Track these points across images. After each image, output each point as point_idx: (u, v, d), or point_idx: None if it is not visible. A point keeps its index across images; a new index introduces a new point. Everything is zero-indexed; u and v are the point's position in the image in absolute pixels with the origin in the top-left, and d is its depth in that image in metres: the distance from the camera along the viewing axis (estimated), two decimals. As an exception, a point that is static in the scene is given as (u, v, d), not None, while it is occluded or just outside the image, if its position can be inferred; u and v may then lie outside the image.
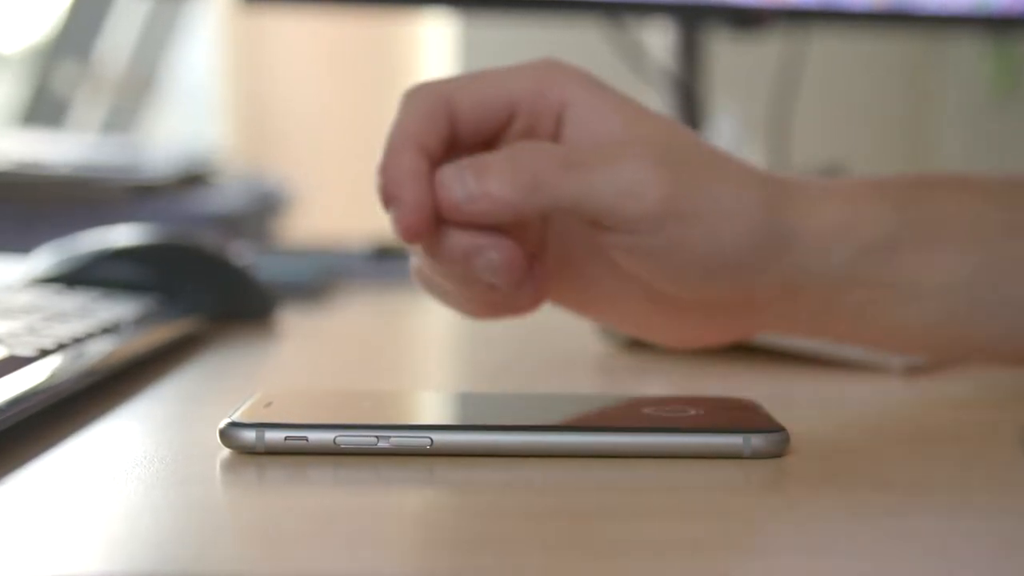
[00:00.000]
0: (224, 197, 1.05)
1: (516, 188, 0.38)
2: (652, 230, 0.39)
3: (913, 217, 0.41)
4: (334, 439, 0.34)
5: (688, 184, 0.39)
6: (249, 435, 0.34)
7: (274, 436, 0.34)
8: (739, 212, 0.39)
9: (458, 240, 0.39)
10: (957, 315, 0.41)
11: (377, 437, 0.34)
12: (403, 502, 0.31)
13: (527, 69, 0.41)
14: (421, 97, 0.40)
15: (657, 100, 1.18)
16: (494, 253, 0.39)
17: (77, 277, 0.57)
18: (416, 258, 0.43)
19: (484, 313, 0.43)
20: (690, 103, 1.12)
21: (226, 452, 0.34)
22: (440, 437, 0.34)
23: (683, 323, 0.42)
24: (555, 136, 0.41)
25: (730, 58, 1.27)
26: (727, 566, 0.26)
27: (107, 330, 0.46)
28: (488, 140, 0.41)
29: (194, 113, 2.23)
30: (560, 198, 0.38)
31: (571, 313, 0.45)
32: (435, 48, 2.05)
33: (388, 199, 0.39)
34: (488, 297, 0.42)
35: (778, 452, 0.34)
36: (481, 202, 0.38)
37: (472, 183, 0.38)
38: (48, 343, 0.41)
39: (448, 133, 0.40)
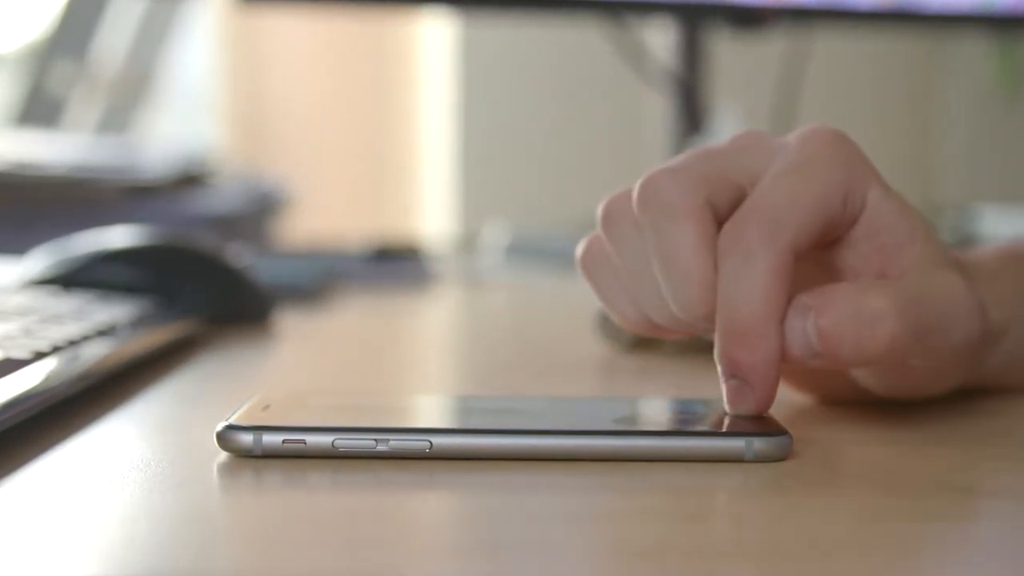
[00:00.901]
0: (222, 198, 1.05)
1: (870, 358, 0.35)
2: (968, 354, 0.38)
3: None
4: (332, 442, 0.34)
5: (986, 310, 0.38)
6: (247, 438, 0.34)
7: (272, 439, 0.34)
8: (963, 315, 0.37)
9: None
10: None
11: (376, 440, 0.34)
12: (402, 506, 0.31)
13: (834, 175, 0.36)
14: (771, 250, 0.35)
15: (658, 100, 1.18)
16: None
17: (73, 279, 0.57)
18: (590, 244, 0.40)
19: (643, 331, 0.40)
20: (691, 103, 1.12)
21: (223, 455, 0.34)
22: (440, 440, 0.34)
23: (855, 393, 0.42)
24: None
25: (732, 58, 1.27)
26: (729, 570, 0.26)
27: (103, 332, 0.46)
28: None
29: (191, 113, 2.23)
30: (928, 332, 0.36)
31: None
32: (434, 48, 2.05)
33: (739, 380, 0.35)
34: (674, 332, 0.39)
35: (781, 456, 0.34)
36: (833, 362, 0.35)
37: (819, 345, 0.34)
38: (43, 345, 0.41)
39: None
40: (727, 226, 0.36)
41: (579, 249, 0.40)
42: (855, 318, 0.34)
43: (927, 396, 0.41)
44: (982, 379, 0.43)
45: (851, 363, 0.35)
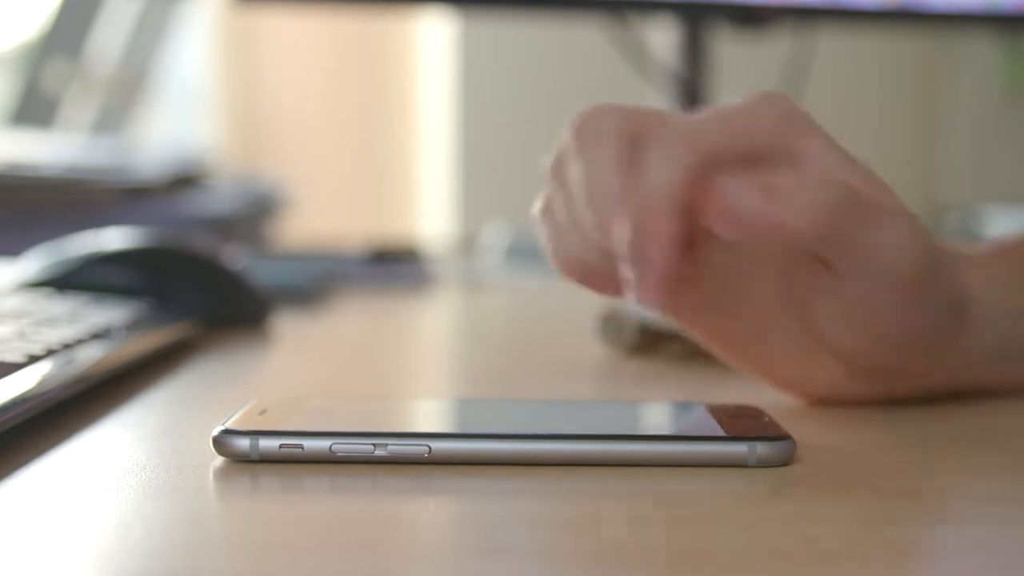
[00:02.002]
0: (217, 199, 1.05)
1: (807, 215, 0.37)
2: (907, 279, 0.39)
3: None
4: (330, 447, 0.34)
5: (932, 246, 0.40)
6: (243, 443, 0.34)
7: (269, 444, 0.34)
8: (936, 294, 0.40)
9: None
10: None
11: (374, 445, 0.34)
12: (400, 511, 0.31)
13: (766, 116, 0.39)
14: (683, 148, 0.38)
15: (660, 100, 1.18)
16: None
17: (67, 281, 0.57)
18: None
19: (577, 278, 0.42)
20: (694, 103, 1.12)
21: (220, 460, 0.34)
22: (438, 445, 0.34)
23: (846, 387, 0.43)
24: None
25: (734, 57, 1.27)
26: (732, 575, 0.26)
27: (98, 336, 0.46)
28: None
29: (187, 113, 2.23)
30: (844, 232, 0.38)
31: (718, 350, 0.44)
32: (433, 47, 2.05)
33: (638, 257, 0.37)
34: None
35: (784, 461, 0.34)
36: (772, 224, 0.37)
37: (763, 203, 0.37)
38: (37, 349, 0.41)
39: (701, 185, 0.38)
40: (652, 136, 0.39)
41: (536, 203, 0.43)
42: (790, 181, 0.38)
43: (909, 384, 0.42)
44: (971, 375, 0.43)
45: (777, 222, 0.37)
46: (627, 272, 0.37)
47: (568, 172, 0.40)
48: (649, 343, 0.53)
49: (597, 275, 0.41)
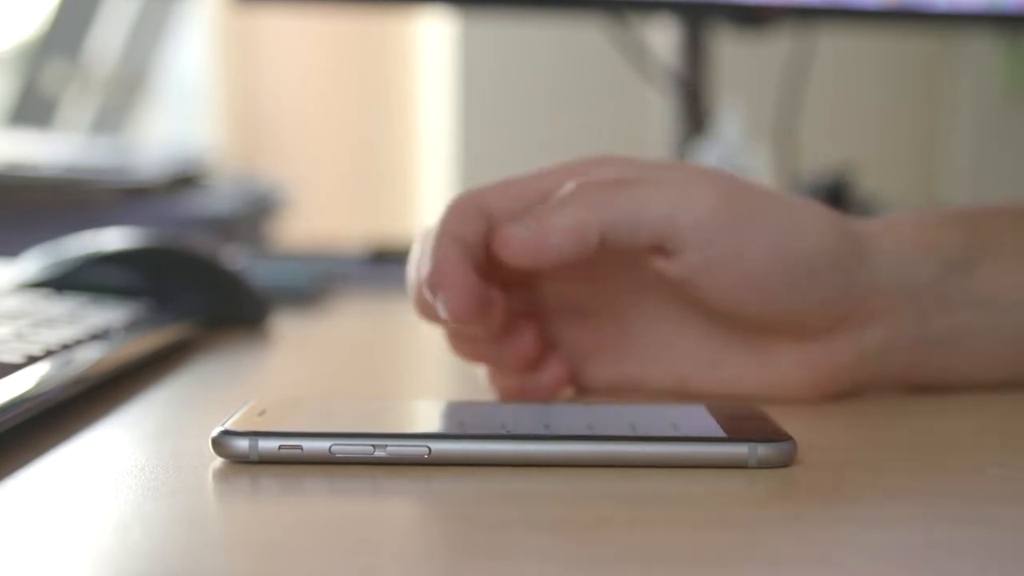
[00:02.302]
0: (217, 199, 1.05)
1: (577, 216, 0.40)
2: (709, 240, 0.40)
3: (981, 237, 0.43)
4: (329, 448, 0.34)
5: (745, 193, 0.41)
6: (242, 444, 0.34)
7: (268, 445, 0.34)
8: (808, 219, 0.41)
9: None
10: None
11: (374, 446, 0.34)
12: (400, 512, 0.31)
13: (561, 171, 0.43)
14: (457, 203, 0.42)
15: (661, 100, 1.18)
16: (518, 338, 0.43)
17: (66, 282, 0.57)
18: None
19: (509, 392, 0.45)
20: (694, 103, 1.12)
21: (219, 461, 0.34)
22: (438, 446, 0.34)
23: (766, 364, 0.43)
24: None
25: (735, 57, 1.27)
26: (732, 579, 0.26)
27: (96, 336, 0.46)
28: None
29: (186, 113, 2.23)
30: (619, 217, 0.40)
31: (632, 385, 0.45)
32: (433, 47, 2.05)
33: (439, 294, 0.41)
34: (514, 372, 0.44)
35: (785, 462, 0.34)
36: (550, 236, 0.40)
37: (535, 224, 0.40)
38: (36, 349, 0.41)
39: (482, 223, 0.43)
40: None
41: None
42: (561, 195, 0.41)
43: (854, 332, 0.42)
44: (938, 370, 0.44)
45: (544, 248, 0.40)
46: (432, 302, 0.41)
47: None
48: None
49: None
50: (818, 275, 0.41)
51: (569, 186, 0.41)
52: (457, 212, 0.42)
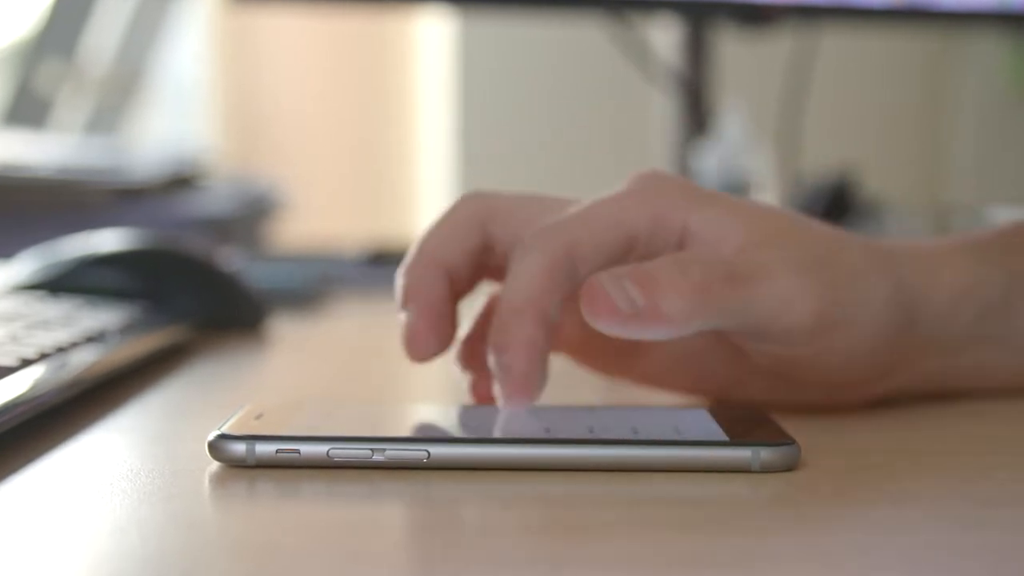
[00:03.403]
0: (213, 200, 1.05)
1: (685, 311, 0.37)
2: (805, 341, 0.39)
3: (1020, 274, 0.43)
4: (327, 452, 0.34)
5: (833, 290, 0.40)
6: (239, 448, 0.34)
7: (265, 449, 0.34)
8: (879, 309, 0.40)
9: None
10: None
11: (372, 450, 0.34)
12: (399, 517, 0.31)
13: (640, 200, 0.40)
14: (545, 248, 0.39)
15: (662, 100, 1.18)
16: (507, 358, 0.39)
17: (60, 284, 0.57)
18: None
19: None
20: (697, 103, 1.13)
21: (215, 465, 0.34)
22: (437, 450, 0.34)
23: (792, 392, 0.43)
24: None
25: (738, 56, 1.27)
26: (735, 584, 0.26)
27: (91, 339, 0.46)
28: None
29: (182, 113, 2.23)
30: (726, 313, 0.38)
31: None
32: (432, 46, 2.05)
33: (499, 363, 0.39)
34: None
35: (789, 465, 0.34)
36: (649, 323, 0.37)
37: (638, 296, 0.37)
38: (30, 352, 0.41)
39: (569, 286, 0.39)
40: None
41: None
42: (668, 268, 0.38)
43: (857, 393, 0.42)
44: (934, 363, 0.43)
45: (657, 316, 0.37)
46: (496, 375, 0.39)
47: None
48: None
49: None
50: (878, 357, 0.41)
51: (686, 262, 0.38)
52: (543, 268, 0.38)
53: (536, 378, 0.38)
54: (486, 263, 0.42)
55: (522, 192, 0.43)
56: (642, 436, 0.35)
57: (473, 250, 0.41)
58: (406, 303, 0.41)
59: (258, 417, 0.36)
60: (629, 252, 0.40)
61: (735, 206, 0.40)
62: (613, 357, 0.44)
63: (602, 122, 1.88)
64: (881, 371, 0.42)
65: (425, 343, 0.40)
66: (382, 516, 0.30)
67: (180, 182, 1.07)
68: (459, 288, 0.42)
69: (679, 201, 0.40)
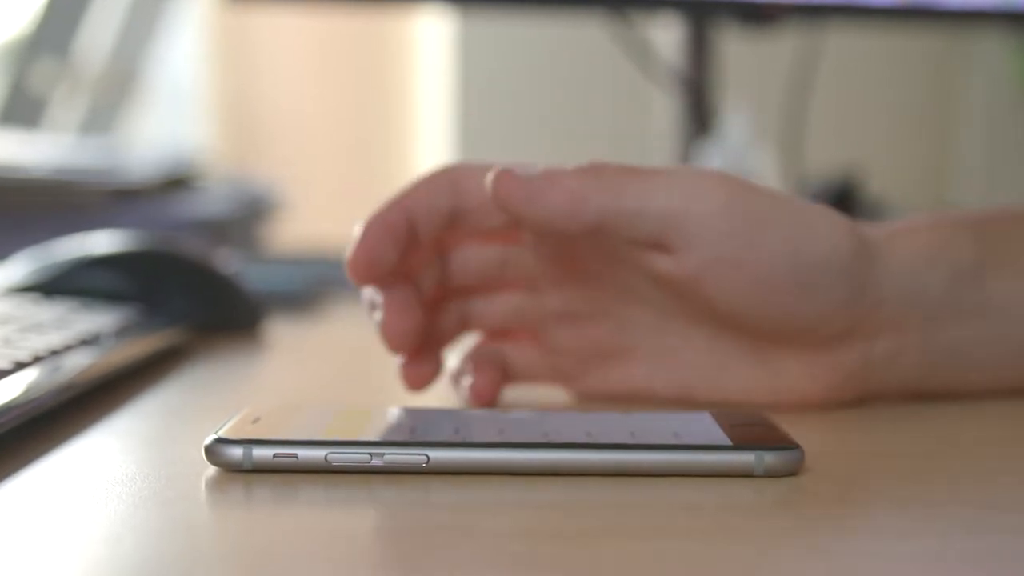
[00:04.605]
0: (209, 202, 1.05)
1: (584, 185, 0.40)
2: (717, 238, 0.39)
3: (992, 245, 0.43)
4: (325, 456, 0.34)
5: (755, 194, 0.40)
6: (236, 452, 0.34)
7: (262, 453, 0.34)
8: (819, 223, 0.41)
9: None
10: None
11: (370, 454, 0.34)
12: (398, 522, 0.31)
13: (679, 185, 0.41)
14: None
15: (665, 100, 1.18)
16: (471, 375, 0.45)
17: (55, 286, 0.57)
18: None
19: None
20: (699, 102, 1.13)
21: (212, 470, 0.34)
22: (436, 454, 0.34)
23: (772, 373, 0.43)
24: None
25: (741, 56, 1.27)
26: (738, 590, 0.26)
27: (86, 342, 0.46)
28: None
29: (178, 113, 2.23)
30: (624, 203, 0.40)
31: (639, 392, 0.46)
32: (431, 46, 2.05)
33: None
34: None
35: (792, 470, 0.34)
36: (548, 191, 0.40)
37: (538, 174, 0.40)
38: (24, 355, 0.41)
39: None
40: None
41: None
42: (575, 166, 0.41)
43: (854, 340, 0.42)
44: (933, 374, 0.44)
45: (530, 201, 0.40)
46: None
47: None
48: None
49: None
50: (828, 279, 0.40)
51: (583, 164, 0.41)
52: (426, 183, 0.43)
53: (374, 247, 0.42)
54: (461, 226, 0.44)
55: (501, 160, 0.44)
56: (641, 440, 0.35)
57: (442, 210, 0.43)
58: (368, 270, 0.43)
59: (255, 421, 0.36)
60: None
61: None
62: (587, 368, 0.45)
63: (604, 123, 1.88)
64: (843, 322, 0.41)
65: (400, 333, 0.44)
66: (381, 521, 0.30)
67: (176, 183, 1.07)
68: (426, 245, 0.44)
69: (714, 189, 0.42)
